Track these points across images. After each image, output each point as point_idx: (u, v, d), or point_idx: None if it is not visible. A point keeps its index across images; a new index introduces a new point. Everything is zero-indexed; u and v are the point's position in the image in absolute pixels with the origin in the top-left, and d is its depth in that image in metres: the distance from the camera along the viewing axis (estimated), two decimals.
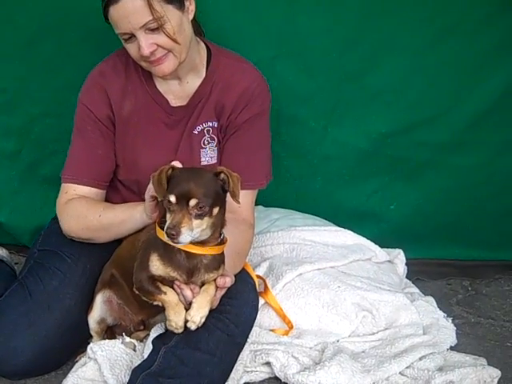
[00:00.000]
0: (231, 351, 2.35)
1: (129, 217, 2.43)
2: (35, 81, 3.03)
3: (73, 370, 2.43)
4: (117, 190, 2.69)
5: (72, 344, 2.52)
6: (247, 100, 2.57)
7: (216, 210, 2.11)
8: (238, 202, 2.13)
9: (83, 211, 2.51)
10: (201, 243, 2.15)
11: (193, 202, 2.05)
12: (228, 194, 2.15)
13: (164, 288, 2.20)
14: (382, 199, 3.31)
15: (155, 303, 2.23)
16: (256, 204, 3.25)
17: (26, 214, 3.23)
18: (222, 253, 2.24)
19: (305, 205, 3.31)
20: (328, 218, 3.27)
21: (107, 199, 2.69)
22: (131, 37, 2.35)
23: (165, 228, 2.03)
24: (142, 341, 2.53)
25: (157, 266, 2.19)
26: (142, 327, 2.53)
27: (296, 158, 3.23)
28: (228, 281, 2.22)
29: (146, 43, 2.34)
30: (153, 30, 2.33)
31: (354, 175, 3.26)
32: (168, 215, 2.07)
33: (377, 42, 2.99)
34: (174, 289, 2.20)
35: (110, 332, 2.57)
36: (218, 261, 2.23)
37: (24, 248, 3.24)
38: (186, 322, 2.17)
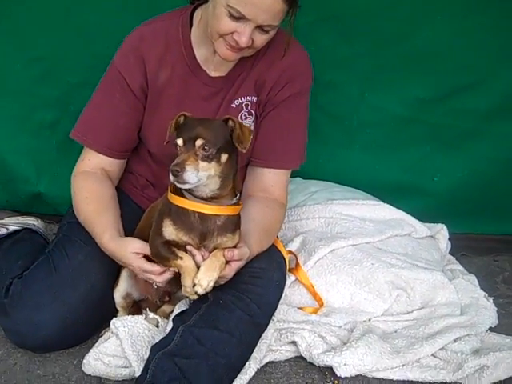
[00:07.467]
0: (252, 332, 2.28)
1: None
2: (73, 49, 2.98)
3: (96, 344, 2.41)
4: (146, 164, 2.64)
5: (97, 318, 2.49)
6: (290, 77, 2.46)
7: (225, 158, 2.10)
8: (245, 150, 2.09)
9: (79, 199, 2.50)
10: (214, 202, 2.13)
11: (199, 142, 2.06)
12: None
13: (180, 253, 2.17)
14: (424, 170, 3.17)
15: (171, 269, 2.21)
16: (294, 176, 3.20)
17: (65, 184, 3.18)
18: (239, 216, 2.19)
19: (343, 175, 3.20)
20: (366, 190, 3.15)
21: (137, 173, 2.66)
22: (240, 19, 2.20)
23: (170, 167, 2.03)
24: (167, 317, 2.48)
25: (170, 231, 2.16)
26: (167, 298, 2.49)
27: (333, 124, 3.13)
28: (236, 254, 2.16)
29: (248, 36, 2.22)
30: (262, 31, 2.24)
31: (393, 144, 3.14)
32: None
33: (416, 6, 2.85)
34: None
35: (135, 307, 2.54)
36: (234, 224, 2.18)
37: None
38: (194, 285, 2.12)
